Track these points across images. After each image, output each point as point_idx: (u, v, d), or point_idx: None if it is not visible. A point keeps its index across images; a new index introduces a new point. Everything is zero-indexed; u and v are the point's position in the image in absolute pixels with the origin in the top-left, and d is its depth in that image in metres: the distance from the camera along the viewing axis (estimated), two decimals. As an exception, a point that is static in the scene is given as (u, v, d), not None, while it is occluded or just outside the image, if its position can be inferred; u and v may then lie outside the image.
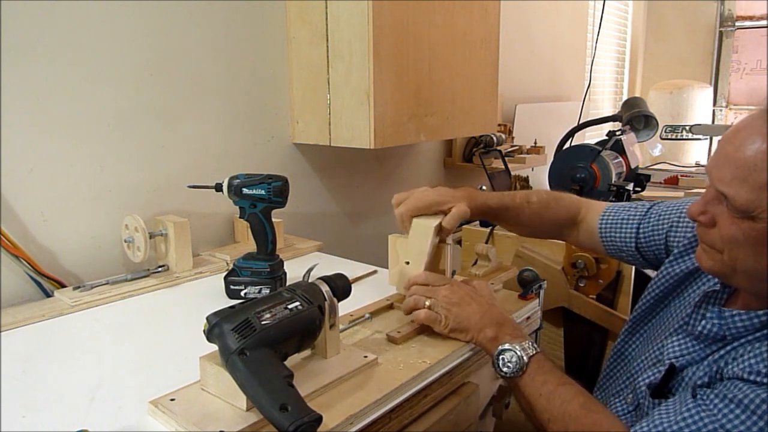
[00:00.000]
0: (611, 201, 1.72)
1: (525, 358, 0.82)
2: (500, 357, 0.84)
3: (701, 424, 0.67)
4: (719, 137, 0.75)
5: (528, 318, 1.06)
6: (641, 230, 1.03)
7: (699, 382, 0.75)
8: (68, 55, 1.11)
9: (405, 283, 0.95)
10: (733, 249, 0.72)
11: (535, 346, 0.85)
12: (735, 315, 0.75)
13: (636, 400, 0.86)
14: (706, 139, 3.61)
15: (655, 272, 1.01)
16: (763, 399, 0.64)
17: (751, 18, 4.08)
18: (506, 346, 0.84)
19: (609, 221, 1.07)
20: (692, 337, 0.82)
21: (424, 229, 0.96)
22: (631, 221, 1.05)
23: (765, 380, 0.66)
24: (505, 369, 0.83)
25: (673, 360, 0.81)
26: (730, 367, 0.71)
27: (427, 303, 0.90)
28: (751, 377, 0.67)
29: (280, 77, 1.51)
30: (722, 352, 0.76)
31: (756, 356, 0.69)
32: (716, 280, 0.83)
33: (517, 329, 0.88)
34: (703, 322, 0.79)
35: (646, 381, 0.84)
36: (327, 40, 1.42)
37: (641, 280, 1.63)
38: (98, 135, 1.18)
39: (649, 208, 1.04)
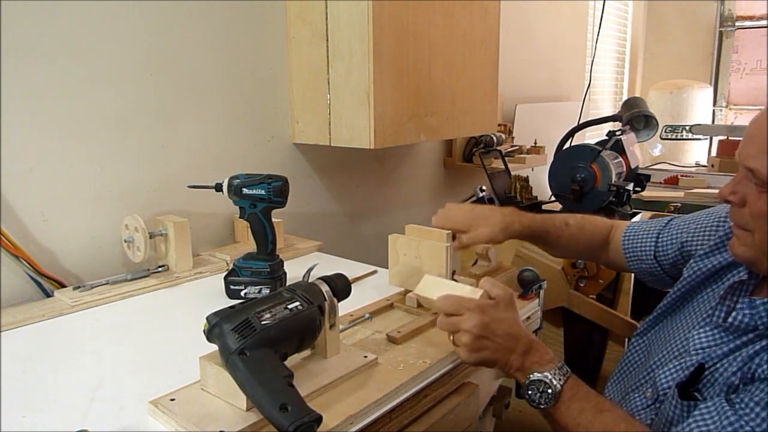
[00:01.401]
0: (612, 200, 1.73)
1: (558, 386, 0.77)
2: (531, 387, 0.79)
3: None
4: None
5: (528, 318, 1.06)
6: (660, 240, 1.06)
7: (731, 381, 0.73)
8: (68, 55, 1.11)
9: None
10: (763, 225, 0.73)
11: (566, 368, 0.80)
12: (767, 303, 0.75)
13: (656, 394, 0.85)
14: (706, 139, 3.61)
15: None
16: None
17: (751, 18, 4.08)
18: (536, 375, 0.79)
19: (631, 234, 1.11)
20: (720, 329, 0.81)
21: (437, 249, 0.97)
22: (651, 232, 1.08)
23: None
24: (538, 400, 0.78)
25: (699, 351, 0.80)
26: (765, 367, 0.70)
27: (451, 338, 0.84)
28: None
29: (280, 77, 1.51)
30: (757, 347, 0.74)
31: None
32: (744, 270, 0.83)
33: (546, 354, 0.81)
34: (734, 313, 0.79)
35: (670, 377, 0.82)
36: (327, 40, 1.42)
37: (642, 281, 1.63)
38: (98, 135, 1.18)
39: (670, 220, 1.07)
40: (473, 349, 0.80)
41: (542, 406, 0.78)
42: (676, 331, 0.92)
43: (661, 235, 1.06)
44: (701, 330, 0.83)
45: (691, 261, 0.96)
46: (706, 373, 0.78)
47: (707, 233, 0.98)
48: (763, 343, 0.74)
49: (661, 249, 1.05)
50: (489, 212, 1.09)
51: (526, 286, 1.09)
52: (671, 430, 0.73)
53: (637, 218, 1.17)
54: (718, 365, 0.78)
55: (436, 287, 0.91)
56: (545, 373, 0.78)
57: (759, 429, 0.65)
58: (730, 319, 0.79)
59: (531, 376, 0.79)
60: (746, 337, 0.77)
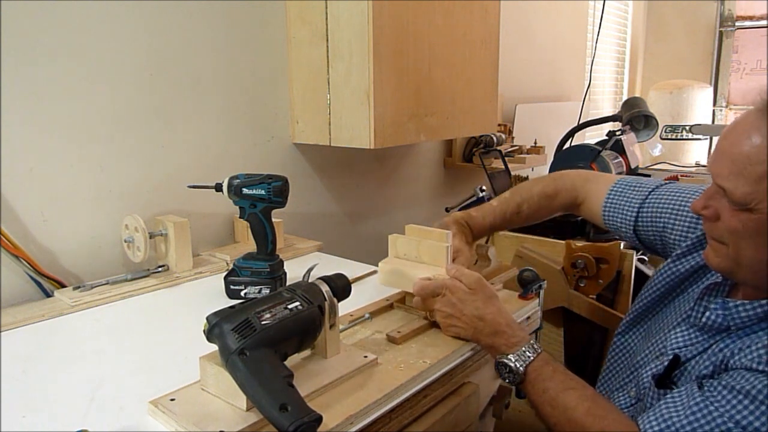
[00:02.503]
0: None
1: (521, 368, 0.83)
2: (498, 368, 0.86)
3: (710, 417, 0.68)
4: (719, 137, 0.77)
5: (528, 318, 1.06)
6: (641, 215, 1.04)
7: (703, 372, 0.76)
8: (68, 55, 1.11)
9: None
10: (736, 241, 0.74)
11: (536, 348, 0.85)
12: (739, 305, 0.77)
13: (639, 393, 0.87)
14: (706, 139, 3.60)
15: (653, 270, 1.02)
16: None
17: (751, 18, 4.08)
18: (501, 358, 0.85)
19: (611, 205, 1.09)
20: (696, 329, 0.83)
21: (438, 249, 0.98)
22: (632, 205, 1.06)
23: None
24: (505, 380, 0.85)
25: (676, 349, 0.83)
26: (736, 357, 0.73)
27: (426, 314, 0.94)
28: (760, 366, 0.68)
29: (280, 77, 1.51)
30: (728, 341, 0.77)
31: (763, 347, 0.70)
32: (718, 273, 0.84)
33: (513, 336, 0.86)
34: (707, 313, 0.80)
35: (650, 372, 0.84)
36: (327, 40, 1.42)
37: (641, 281, 1.63)
38: (98, 135, 1.18)
39: (650, 192, 1.05)
40: (445, 325, 0.90)
41: (511, 384, 0.85)
42: (658, 331, 0.94)
43: (642, 211, 1.04)
44: (678, 329, 0.86)
45: (669, 261, 0.96)
46: (681, 367, 0.81)
47: (685, 227, 0.97)
48: (732, 338, 0.77)
49: (641, 226, 1.04)
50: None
51: (526, 286, 1.09)
52: (637, 418, 0.75)
53: (616, 178, 1.13)
54: (692, 361, 0.80)
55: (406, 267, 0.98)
56: (509, 356, 0.84)
57: (723, 409, 0.67)
58: (704, 319, 0.81)
59: (498, 357, 0.86)
60: (719, 336, 0.79)
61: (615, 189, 1.09)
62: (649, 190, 1.05)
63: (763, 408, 0.65)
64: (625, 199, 1.07)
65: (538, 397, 0.82)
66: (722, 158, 0.74)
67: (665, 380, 0.82)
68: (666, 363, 0.82)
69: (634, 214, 1.05)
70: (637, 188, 1.07)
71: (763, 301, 0.75)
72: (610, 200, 1.09)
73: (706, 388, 0.71)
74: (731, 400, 0.68)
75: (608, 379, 1.02)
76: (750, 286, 0.79)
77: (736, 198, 0.72)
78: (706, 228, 0.81)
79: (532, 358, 0.83)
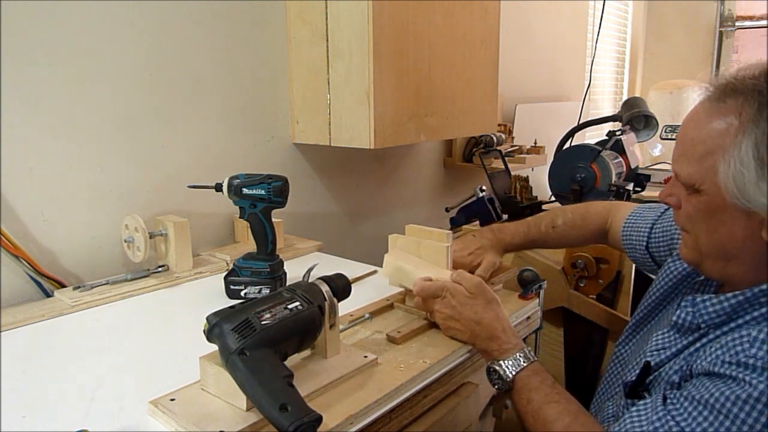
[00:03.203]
0: (612, 201, 1.73)
1: (510, 375, 0.82)
2: (488, 373, 0.85)
3: None
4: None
5: (528, 318, 1.06)
6: (653, 232, 1.04)
7: (672, 379, 0.74)
8: (68, 55, 1.11)
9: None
10: (692, 226, 0.75)
11: (530, 355, 0.84)
12: (706, 300, 0.75)
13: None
14: (706, 139, 3.60)
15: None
16: (726, 396, 0.63)
17: (751, 18, 4.08)
18: (492, 364, 0.85)
19: (629, 225, 1.10)
20: (674, 330, 0.81)
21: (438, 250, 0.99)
22: (646, 224, 1.06)
23: (725, 370, 0.65)
24: (494, 385, 0.85)
25: (654, 352, 0.81)
26: (699, 361, 0.71)
27: (427, 315, 0.95)
28: (715, 369, 0.66)
29: (280, 77, 1.51)
30: (698, 344, 0.75)
31: (722, 346, 0.68)
32: None
33: (507, 342, 0.85)
34: (678, 311, 0.79)
35: (623, 381, 0.83)
36: (327, 40, 1.42)
37: (641, 280, 1.63)
38: (98, 135, 1.18)
39: (667, 209, 1.05)
40: (444, 327, 0.91)
41: (500, 391, 0.85)
42: (649, 337, 0.91)
43: (654, 227, 1.05)
44: (660, 333, 0.84)
45: (669, 261, 0.95)
46: (655, 373, 0.79)
47: None
48: (703, 341, 0.75)
49: (653, 242, 1.05)
50: (477, 242, 1.13)
51: (526, 286, 1.09)
52: (610, 428, 0.74)
53: (636, 206, 1.14)
54: (666, 366, 0.78)
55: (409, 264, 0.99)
56: (500, 362, 0.84)
57: (684, 423, 0.65)
58: (674, 318, 0.79)
59: (490, 363, 0.85)
60: (692, 336, 0.77)
61: (635, 211, 1.11)
62: (665, 208, 1.05)
63: (721, 418, 0.62)
64: (641, 218, 1.08)
65: (523, 407, 0.81)
66: (676, 144, 0.75)
67: (638, 388, 0.80)
68: (638, 370, 0.81)
69: (648, 230, 1.05)
70: (654, 209, 1.08)
71: (729, 295, 0.72)
72: (629, 221, 1.10)
73: (669, 401, 0.69)
74: (692, 412, 0.65)
75: (604, 388, 1.00)
76: (724, 281, 0.77)
77: (683, 179, 0.73)
78: (675, 217, 0.80)
79: (523, 366, 0.83)
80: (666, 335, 0.82)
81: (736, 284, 0.73)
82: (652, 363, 0.79)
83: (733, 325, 0.72)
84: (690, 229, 0.76)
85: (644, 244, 1.05)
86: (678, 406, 0.67)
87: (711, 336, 0.74)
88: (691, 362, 0.73)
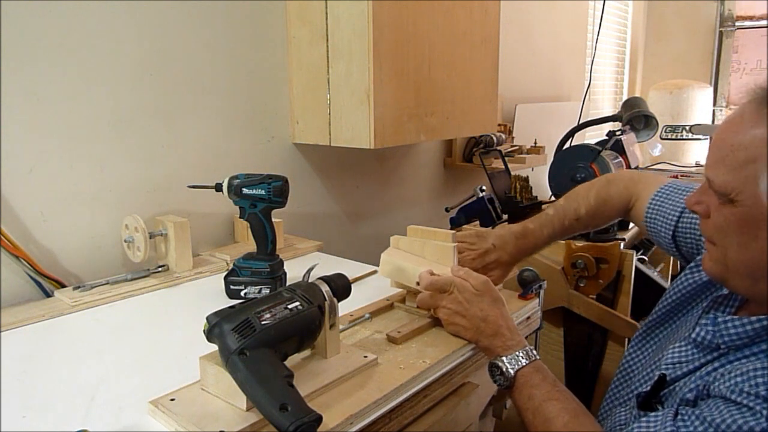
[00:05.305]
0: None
1: (511, 372, 0.82)
2: (490, 369, 0.85)
3: None
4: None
5: (528, 318, 1.06)
6: (680, 223, 0.98)
7: (687, 396, 0.72)
8: (68, 55, 1.11)
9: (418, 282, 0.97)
10: (722, 239, 0.70)
11: (531, 354, 0.84)
12: (728, 321, 0.71)
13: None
14: (706, 139, 3.60)
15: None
16: (738, 424, 0.60)
17: (751, 18, 4.08)
18: (495, 360, 0.84)
19: (653, 211, 1.03)
20: (692, 345, 0.78)
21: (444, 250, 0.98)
22: (673, 212, 0.99)
23: (743, 399, 0.62)
24: (495, 382, 0.85)
25: (670, 366, 0.79)
26: (717, 384, 0.68)
27: (431, 311, 0.95)
28: (733, 396, 0.64)
29: (280, 77, 1.51)
30: (716, 364, 0.72)
31: (743, 374, 0.65)
32: None
33: (511, 339, 0.85)
34: (697, 328, 0.76)
35: (637, 391, 0.82)
36: (327, 40, 1.42)
37: (641, 280, 1.63)
38: (98, 135, 1.18)
39: None
40: (447, 322, 0.91)
41: (501, 387, 0.84)
42: (665, 346, 0.90)
43: (682, 218, 0.98)
44: (677, 344, 0.81)
45: (687, 270, 0.91)
46: (669, 387, 0.77)
47: None
48: (722, 361, 0.72)
49: (680, 233, 0.98)
50: (502, 243, 1.10)
51: (526, 286, 1.09)
52: None
53: (662, 183, 1.06)
54: (681, 382, 0.76)
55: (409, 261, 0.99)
56: (503, 358, 0.84)
57: None
58: (693, 335, 0.76)
59: (492, 359, 0.85)
60: (711, 355, 0.74)
61: (661, 191, 1.02)
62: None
63: None
64: (669, 202, 1.00)
65: (523, 404, 0.81)
66: (711, 149, 0.70)
67: (650, 400, 0.78)
68: (651, 381, 0.79)
69: (676, 218, 0.98)
70: (684, 192, 0.99)
71: (753, 318, 0.68)
72: (653, 203, 1.02)
73: (680, 417, 0.67)
74: None
75: (614, 393, 0.98)
76: (751, 299, 0.73)
77: (717, 186, 0.68)
78: (701, 227, 0.75)
79: (524, 363, 0.82)
80: (683, 349, 0.79)
81: (761, 303, 0.70)
82: (668, 377, 0.77)
83: (755, 349, 0.69)
84: (718, 241, 0.71)
85: (670, 233, 0.99)
86: (688, 423, 0.66)
87: (731, 357, 0.71)
88: (709, 382, 0.70)
